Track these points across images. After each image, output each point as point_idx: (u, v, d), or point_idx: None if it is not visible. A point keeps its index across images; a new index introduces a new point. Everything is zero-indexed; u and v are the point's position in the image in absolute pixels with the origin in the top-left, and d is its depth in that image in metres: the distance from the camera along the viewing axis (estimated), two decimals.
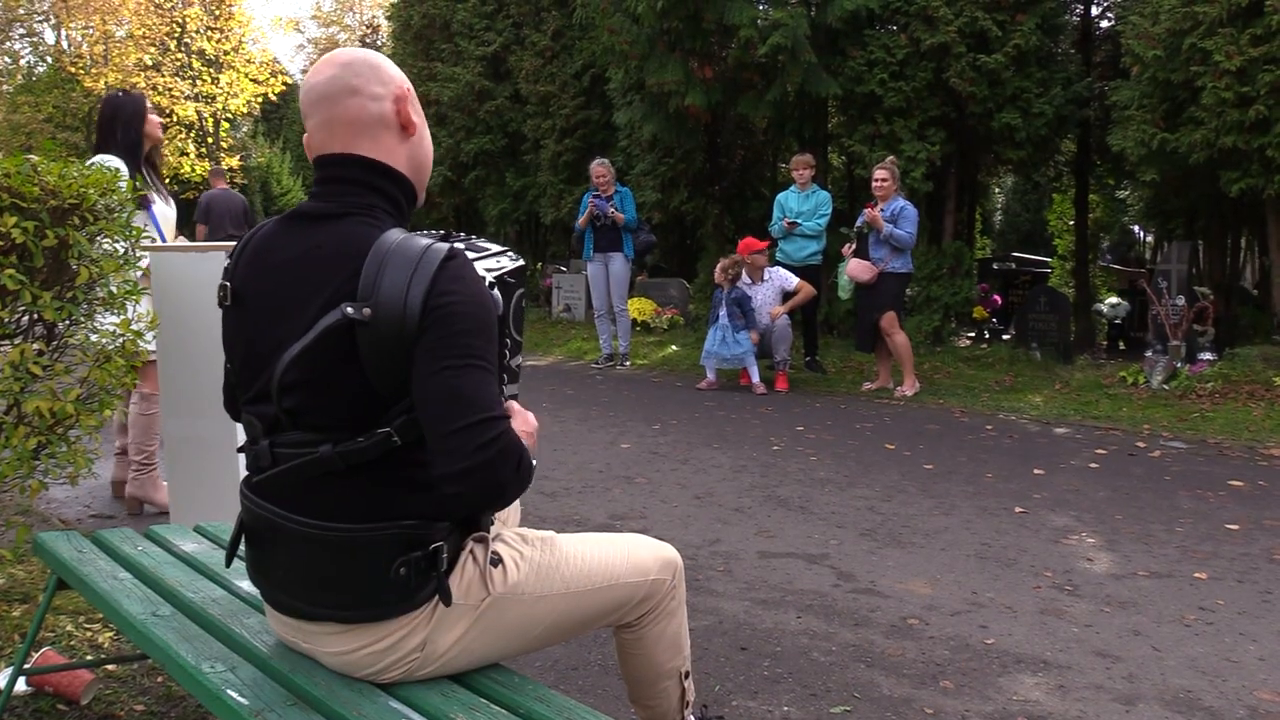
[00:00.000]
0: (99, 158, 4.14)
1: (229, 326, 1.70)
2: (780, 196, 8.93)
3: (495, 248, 1.86)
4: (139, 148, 4.35)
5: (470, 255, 1.73)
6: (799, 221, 8.60)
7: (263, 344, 1.61)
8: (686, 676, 2.06)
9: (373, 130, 1.66)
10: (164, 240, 4.39)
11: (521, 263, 1.85)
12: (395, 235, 1.56)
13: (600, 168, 9.37)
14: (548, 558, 1.79)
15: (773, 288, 8.30)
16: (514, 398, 1.85)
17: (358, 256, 1.54)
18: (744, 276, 8.35)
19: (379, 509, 1.56)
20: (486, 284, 1.67)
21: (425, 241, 1.55)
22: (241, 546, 1.73)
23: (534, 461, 1.69)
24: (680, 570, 1.98)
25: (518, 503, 2.19)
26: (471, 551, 1.70)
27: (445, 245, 1.55)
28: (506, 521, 2.09)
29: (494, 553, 1.71)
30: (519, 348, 1.85)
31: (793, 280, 8.29)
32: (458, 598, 1.65)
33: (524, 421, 1.74)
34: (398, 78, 1.70)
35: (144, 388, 4.17)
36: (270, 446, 1.60)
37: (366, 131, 1.65)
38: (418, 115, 1.72)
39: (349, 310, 1.49)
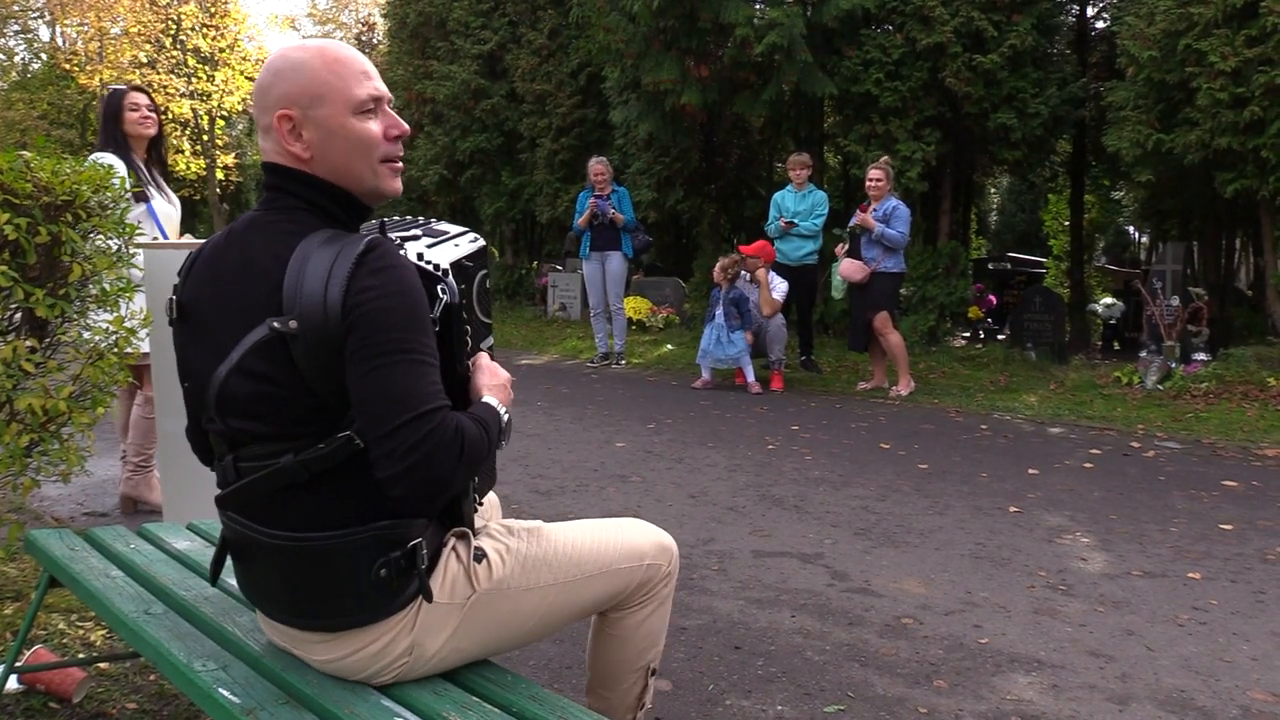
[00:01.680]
0: (94, 156, 4.13)
1: (178, 343, 1.68)
2: (777, 196, 8.94)
3: (455, 230, 1.81)
4: (125, 146, 4.33)
5: (426, 241, 1.70)
6: (796, 221, 8.60)
7: (203, 362, 1.59)
8: (652, 674, 2.01)
9: (276, 153, 1.63)
10: (165, 237, 4.37)
11: (482, 244, 1.81)
12: (317, 238, 1.53)
13: (599, 166, 9.36)
14: (534, 549, 1.77)
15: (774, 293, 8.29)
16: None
17: (282, 264, 1.51)
18: (744, 276, 8.33)
19: (350, 515, 1.54)
20: (441, 271, 1.63)
21: (345, 240, 1.52)
22: None
23: (504, 416, 1.66)
24: (676, 557, 1.95)
25: (496, 500, 2.18)
26: (454, 548, 1.68)
27: (363, 240, 1.50)
28: (489, 519, 2.08)
29: (478, 548, 1.69)
30: (488, 330, 1.83)
31: (781, 289, 8.26)
32: (442, 597, 1.63)
33: (492, 375, 1.71)
34: (283, 96, 1.59)
35: (149, 390, 4.16)
36: (234, 461, 1.58)
37: (272, 152, 1.64)
38: (313, 130, 1.60)
39: (275, 325, 1.47)
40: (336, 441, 1.51)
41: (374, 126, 1.63)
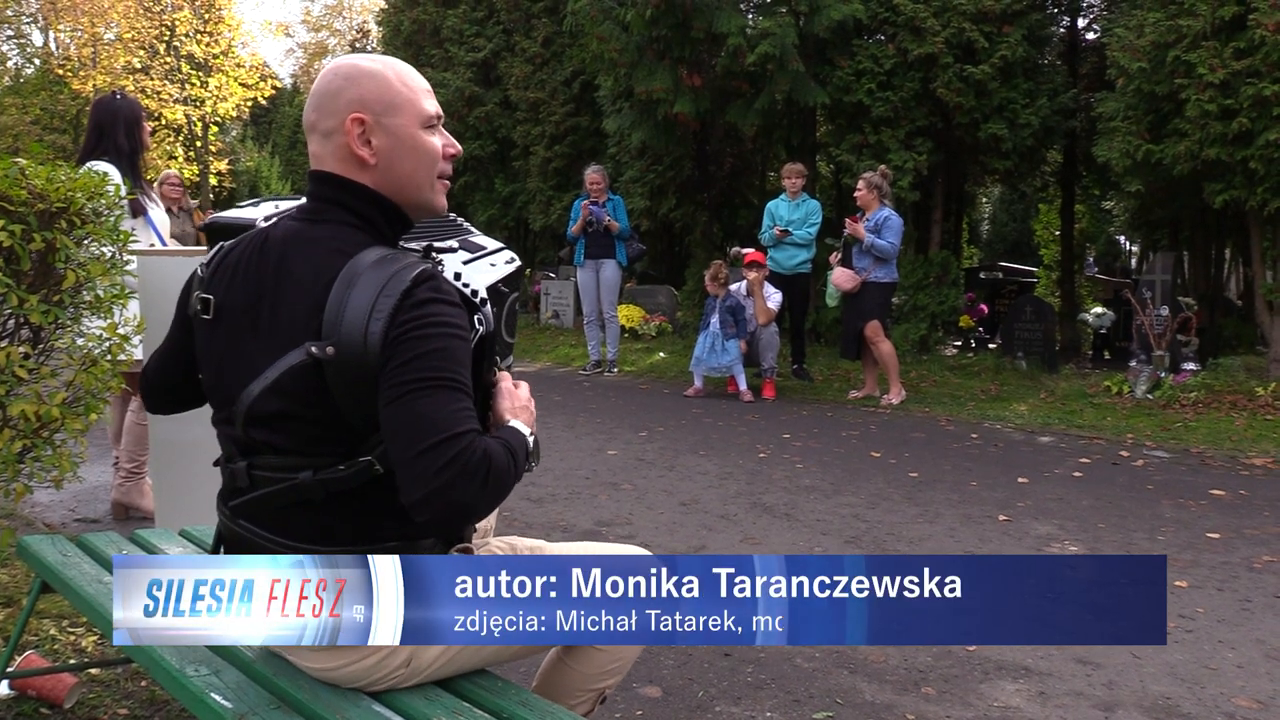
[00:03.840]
0: (90, 164, 4.12)
1: (203, 340, 1.68)
2: (770, 205, 8.97)
3: (492, 245, 1.80)
4: (137, 154, 4.32)
5: (463, 256, 1.69)
6: (790, 230, 8.63)
7: (233, 367, 1.60)
8: (602, 701, 1.94)
9: (334, 159, 1.63)
10: (164, 244, 4.39)
11: (518, 264, 1.79)
12: (366, 259, 1.52)
13: (596, 174, 9.39)
14: None
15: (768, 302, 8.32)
16: None
17: (326, 286, 1.51)
18: (743, 288, 8.35)
19: (362, 533, 1.54)
20: (479, 299, 1.63)
21: (393, 268, 1.50)
22: None
23: (530, 440, 1.65)
24: None
25: (495, 511, 2.17)
26: None
27: (412, 272, 1.50)
28: (489, 533, 2.08)
29: None
30: (510, 349, 1.83)
31: (775, 299, 8.30)
32: None
33: (513, 398, 1.71)
34: (356, 100, 1.60)
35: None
36: (248, 468, 1.59)
37: (329, 159, 1.64)
38: (384, 137, 1.61)
39: (313, 350, 1.48)
40: (358, 465, 1.52)
41: (438, 142, 1.67)
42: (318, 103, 1.63)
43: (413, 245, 1.69)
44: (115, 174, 4.16)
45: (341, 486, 1.53)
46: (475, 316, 1.61)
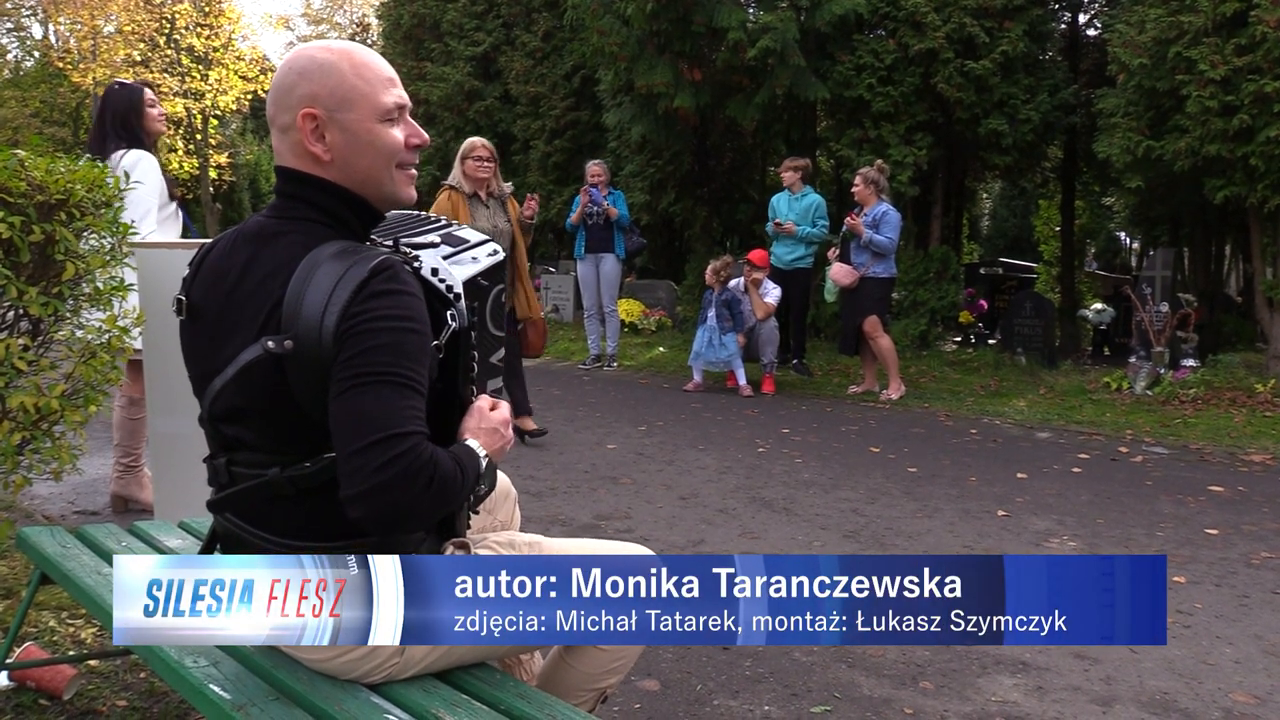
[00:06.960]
0: (137, 154, 4.10)
1: (184, 339, 1.68)
2: (773, 200, 8.95)
3: (475, 238, 1.78)
4: (141, 143, 4.31)
5: (445, 250, 1.68)
6: (792, 222, 8.57)
7: (206, 365, 1.59)
8: (603, 700, 1.91)
9: (292, 155, 1.61)
10: (195, 234, 4.40)
11: (501, 257, 1.77)
12: (325, 252, 1.50)
13: (596, 168, 9.40)
14: None
15: (767, 298, 8.32)
16: (497, 392, 1.80)
17: (285, 280, 1.49)
18: (740, 284, 8.35)
19: (342, 528, 1.52)
20: (453, 295, 1.61)
21: (351, 260, 1.48)
22: None
23: (483, 460, 1.62)
24: None
25: (516, 505, 2.17)
26: None
27: (370, 263, 1.47)
28: (509, 524, 2.07)
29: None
30: (500, 343, 1.81)
31: (774, 294, 8.30)
32: None
33: (481, 417, 1.67)
34: (308, 96, 1.57)
35: (130, 390, 4.15)
36: (227, 464, 1.59)
37: (288, 155, 1.62)
38: (338, 133, 1.58)
39: (270, 345, 1.46)
40: (322, 461, 1.51)
41: (398, 134, 1.62)
42: (274, 97, 1.61)
43: (386, 241, 1.67)
44: (155, 165, 4.18)
45: (310, 483, 1.52)
46: (448, 313, 1.59)
